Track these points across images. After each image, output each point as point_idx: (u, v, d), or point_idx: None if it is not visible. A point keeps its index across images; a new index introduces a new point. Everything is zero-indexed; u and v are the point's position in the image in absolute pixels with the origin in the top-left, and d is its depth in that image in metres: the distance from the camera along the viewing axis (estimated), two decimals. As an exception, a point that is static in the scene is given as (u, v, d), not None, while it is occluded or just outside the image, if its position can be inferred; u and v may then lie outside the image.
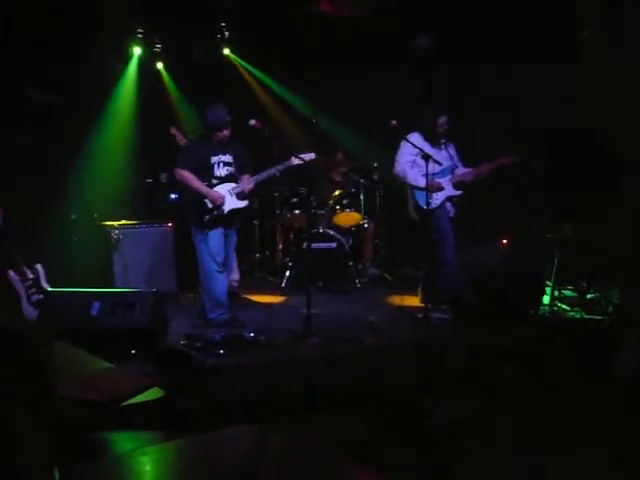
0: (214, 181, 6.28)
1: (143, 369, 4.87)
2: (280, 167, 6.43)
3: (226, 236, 6.37)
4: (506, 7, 7.72)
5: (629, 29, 6.92)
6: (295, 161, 6.34)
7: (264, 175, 6.44)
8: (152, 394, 3.67)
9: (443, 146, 7.05)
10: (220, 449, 2.74)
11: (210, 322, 6.26)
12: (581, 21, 7.64)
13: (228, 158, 6.36)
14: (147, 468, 2.63)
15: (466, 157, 7.20)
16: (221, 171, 6.32)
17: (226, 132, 6.26)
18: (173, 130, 7.42)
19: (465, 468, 3.92)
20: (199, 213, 6.25)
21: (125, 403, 3.55)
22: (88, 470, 2.62)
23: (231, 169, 6.37)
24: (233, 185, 6.34)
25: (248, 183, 6.38)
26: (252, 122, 6.28)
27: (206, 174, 6.27)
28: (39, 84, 7.99)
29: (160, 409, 3.68)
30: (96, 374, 3.83)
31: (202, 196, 6.21)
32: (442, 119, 6.96)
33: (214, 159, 6.30)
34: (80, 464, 2.82)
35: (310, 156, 6.42)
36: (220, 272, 6.30)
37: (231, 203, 6.29)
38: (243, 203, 6.39)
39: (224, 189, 6.29)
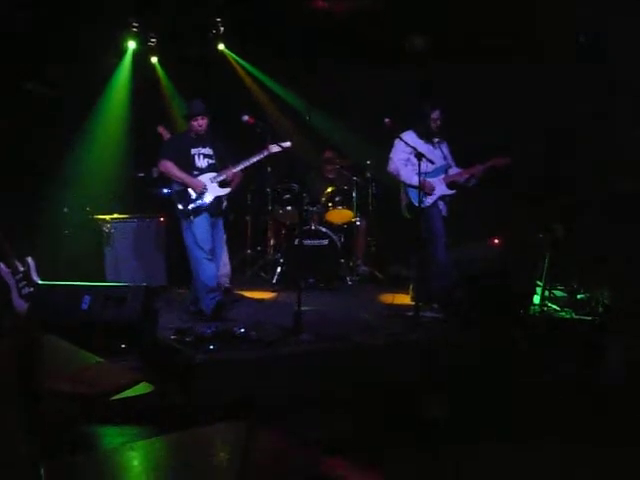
0: (195, 172, 6.48)
1: (132, 364, 4.87)
2: (260, 155, 6.58)
3: (213, 225, 6.51)
4: (501, 7, 7.74)
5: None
6: (273, 149, 6.54)
7: (245, 163, 6.56)
8: (141, 389, 3.67)
9: (437, 145, 7.06)
10: (208, 445, 2.75)
11: (204, 310, 6.34)
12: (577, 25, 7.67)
13: (208, 151, 6.56)
14: (135, 463, 2.63)
15: (460, 157, 7.20)
16: (202, 162, 6.52)
17: (202, 122, 6.47)
18: (161, 129, 7.44)
19: (454, 468, 3.93)
20: (184, 202, 6.40)
21: (114, 398, 3.55)
22: (76, 464, 2.62)
23: (211, 161, 6.56)
24: (214, 174, 6.51)
25: (229, 170, 6.52)
26: (245, 118, 6.33)
27: (187, 165, 6.46)
28: (35, 77, 7.95)
29: (149, 404, 3.68)
30: (85, 368, 3.82)
31: (185, 186, 6.40)
32: (435, 113, 6.97)
33: (194, 151, 6.51)
34: (69, 458, 2.81)
35: (287, 144, 6.60)
36: (209, 259, 6.40)
37: (214, 191, 6.46)
38: (225, 190, 6.54)
39: (205, 177, 6.47)
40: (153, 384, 3.95)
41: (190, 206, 6.36)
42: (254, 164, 6.72)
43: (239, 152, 6.71)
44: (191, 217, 6.36)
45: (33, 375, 3.07)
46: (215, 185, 6.46)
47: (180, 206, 6.42)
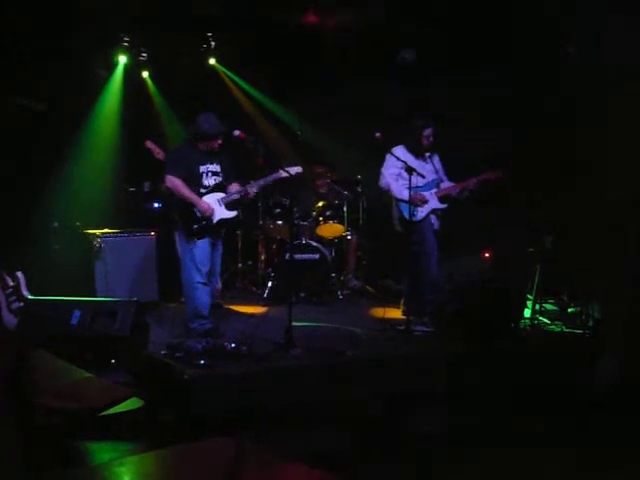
0: (202, 190, 6.26)
1: (123, 379, 4.85)
2: (268, 179, 6.47)
3: (213, 246, 6.35)
4: (492, 21, 7.80)
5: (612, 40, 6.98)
6: (283, 174, 6.38)
7: (253, 187, 6.45)
8: (131, 404, 3.67)
9: (428, 159, 7.07)
10: (198, 460, 2.74)
11: (191, 331, 6.23)
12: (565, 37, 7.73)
13: (216, 167, 6.35)
14: (125, 478, 2.62)
15: (453, 171, 7.21)
16: (209, 180, 6.30)
17: (218, 143, 6.27)
18: (149, 144, 7.26)
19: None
20: (188, 222, 6.21)
21: (104, 413, 3.53)
22: (69, 478, 2.61)
23: (219, 178, 6.36)
24: (222, 195, 6.33)
25: (237, 194, 6.38)
26: (236, 132, 6.33)
27: (194, 183, 6.23)
28: (25, 92, 7.95)
29: (139, 419, 3.67)
30: (75, 383, 3.81)
31: (191, 205, 6.18)
32: (428, 131, 6.94)
33: (202, 168, 6.28)
34: (58, 474, 2.79)
35: (297, 169, 6.46)
36: (203, 284, 6.25)
37: (220, 213, 6.27)
38: (232, 213, 6.37)
39: (213, 199, 6.27)
40: (143, 399, 3.93)
41: (195, 227, 6.18)
42: (263, 187, 6.65)
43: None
44: (194, 238, 6.19)
45: (22, 390, 3.05)
46: (222, 208, 6.27)
47: (183, 225, 6.25)
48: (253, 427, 4.29)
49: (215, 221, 6.25)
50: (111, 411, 3.56)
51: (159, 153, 7.22)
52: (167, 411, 4.36)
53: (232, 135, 6.32)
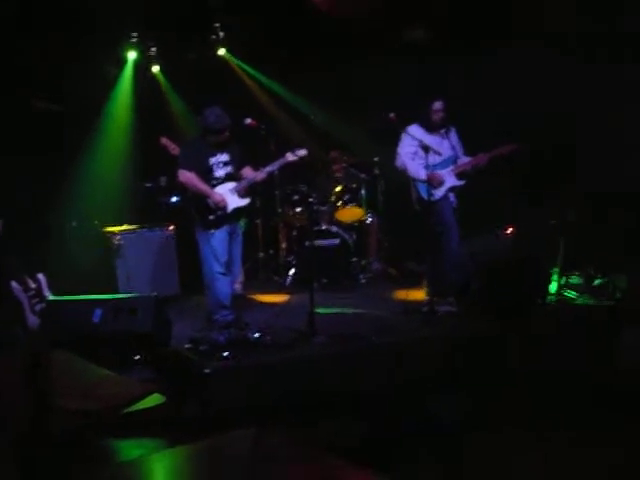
0: (213, 182, 6.29)
1: (147, 375, 4.84)
2: (276, 165, 6.46)
3: (231, 235, 6.36)
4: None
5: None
6: (289, 158, 6.38)
7: (262, 173, 6.44)
8: (153, 400, 3.65)
9: (445, 134, 6.97)
10: (225, 453, 2.71)
11: (214, 323, 6.22)
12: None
13: (225, 157, 6.35)
14: (155, 474, 2.61)
15: (468, 146, 7.11)
16: (220, 172, 6.31)
17: (226, 135, 6.27)
18: (164, 141, 7.21)
19: (473, 464, 3.87)
20: (203, 213, 6.25)
21: (126, 410, 3.52)
22: (98, 476, 2.60)
23: (229, 168, 6.36)
24: (233, 184, 6.34)
25: (246, 182, 6.38)
26: (247, 121, 6.33)
27: (206, 176, 6.27)
28: (39, 92, 7.96)
29: (161, 415, 3.65)
30: (97, 383, 3.79)
31: (205, 197, 6.22)
32: (437, 105, 6.85)
33: (212, 160, 6.30)
34: (87, 471, 2.78)
35: (302, 152, 6.44)
36: (223, 274, 6.26)
37: (233, 202, 6.29)
38: (245, 201, 6.39)
39: (225, 189, 6.29)
40: (167, 395, 3.91)
41: (210, 217, 6.22)
42: (272, 172, 6.67)
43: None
44: (211, 229, 6.23)
45: (42, 391, 3.04)
46: (235, 196, 6.30)
47: (199, 217, 6.29)
48: (279, 418, 4.25)
49: (229, 210, 6.26)
50: (133, 408, 3.55)
51: (174, 149, 7.18)
52: (192, 405, 4.34)
53: (244, 124, 6.29)
